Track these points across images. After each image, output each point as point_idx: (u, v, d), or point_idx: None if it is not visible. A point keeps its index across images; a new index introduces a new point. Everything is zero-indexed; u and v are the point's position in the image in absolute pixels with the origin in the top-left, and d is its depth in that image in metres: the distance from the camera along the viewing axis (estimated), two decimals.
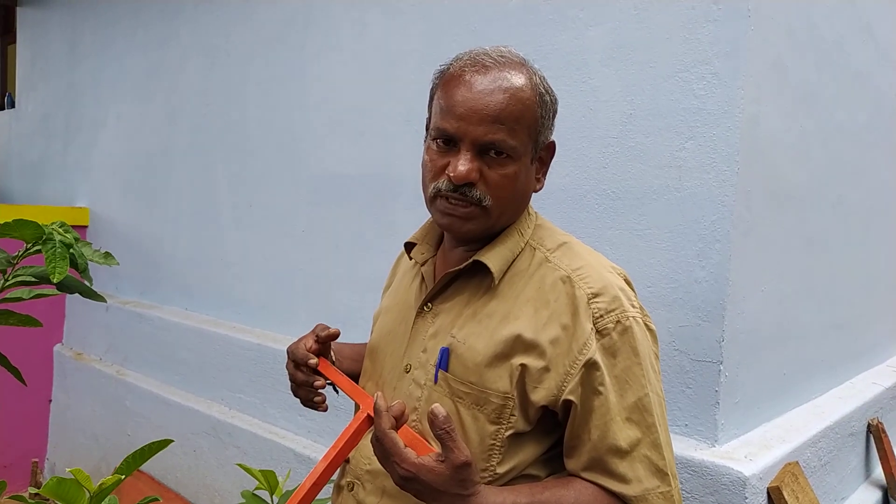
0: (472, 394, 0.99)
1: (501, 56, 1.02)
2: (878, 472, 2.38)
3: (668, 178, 1.64)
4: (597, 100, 1.76)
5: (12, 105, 4.98)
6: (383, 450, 0.91)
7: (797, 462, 1.69)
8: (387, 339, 1.15)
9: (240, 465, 1.60)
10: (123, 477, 1.03)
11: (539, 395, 0.97)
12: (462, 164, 0.97)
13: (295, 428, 2.49)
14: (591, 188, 1.77)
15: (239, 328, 2.83)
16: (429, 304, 1.09)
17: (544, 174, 1.10)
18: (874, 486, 2.35)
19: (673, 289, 1.63)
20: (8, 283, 1.42)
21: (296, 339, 1.19)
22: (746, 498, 1.49)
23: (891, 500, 2.33)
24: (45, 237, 1.25)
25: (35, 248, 1.29)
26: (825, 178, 2.07)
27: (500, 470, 0.99)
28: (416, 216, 2.10)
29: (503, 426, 0.98)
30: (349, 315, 2.41)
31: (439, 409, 0.88)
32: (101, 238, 3.69)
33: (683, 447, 1.57)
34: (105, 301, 1.45)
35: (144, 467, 3.00)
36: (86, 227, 3.81)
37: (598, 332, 0.97)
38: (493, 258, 1.03)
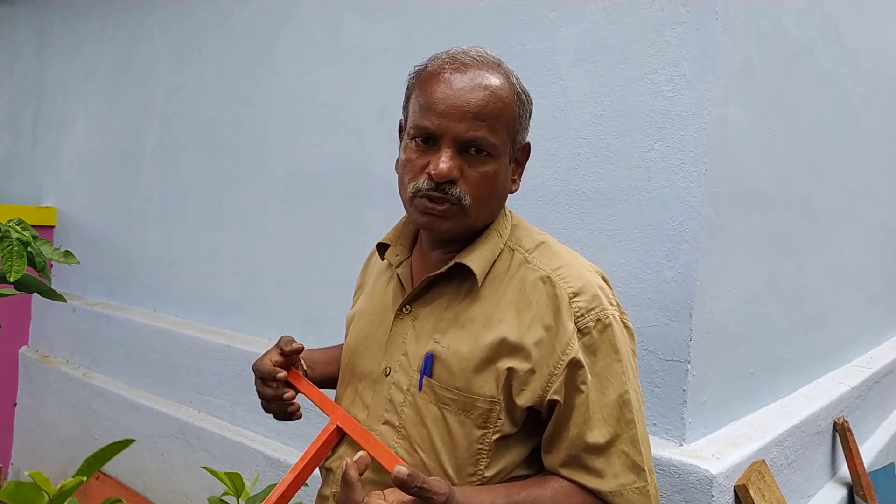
0: (459, 400, 0.99)
1: (479, 56, 1.02)
2: (844, 470, 2.42)
3: (637, 179, 1.64)
4: (568, 100, 1.76)
5: None
6: None
7: (764, 461, 1.70)
8: (364, 344, 1.14)
9: (206, 468, 1.57)
10: (84, 479, 1.00)
11: (525, 398, 0.97)
12: (444, 162, 0.96)
13: (265, 431, 2.46)
14: (561, 189, 1.77)
15: (208, 329, 2.79)
16: (407, 307, 1.07)
17: (520, 175, 1.10)
18: (840, 484, 2.38)
19: (642, 289, 1.63)
20: None
21: (260, 356, 1.17)
22: (713, 496, 1.50)
23: (856, 497, 2.36)
24: (1, 235, 1.22)
25: None
26: (792, 179, 2.09)
27: (489, 473, 0.99)
28: (389, 214, 2.09)
29: (490, 430, 0.98)
30: (322, 314, 2.39)
31: (400, 469, 0.86)
32: (68, 238, 3.61)
33: (651, 446, 1.58)
34: (65, 300, 1.42)
35: (111, 471, 2.95)
36: (53, 227, 3.73)
37: (579, 330, 0.97)
38: (474, 260, 1.02)
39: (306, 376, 1.18)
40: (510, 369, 0.97)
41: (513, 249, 1.06)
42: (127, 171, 3.31)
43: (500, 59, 1.05)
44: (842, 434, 2.38)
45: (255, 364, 1.15)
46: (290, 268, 2.52)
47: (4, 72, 4.40)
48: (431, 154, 0.98)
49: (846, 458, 2.38)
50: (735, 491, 1.59)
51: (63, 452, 3.33)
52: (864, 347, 3.01)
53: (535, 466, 1.04)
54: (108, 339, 3.20)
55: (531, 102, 1.07)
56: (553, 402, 0.97)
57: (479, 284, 1.02)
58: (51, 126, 3.89)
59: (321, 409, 1.10)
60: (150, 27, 3.21)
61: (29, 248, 1.27)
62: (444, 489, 0.88)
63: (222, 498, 1.55)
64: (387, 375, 1.06)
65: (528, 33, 1.85)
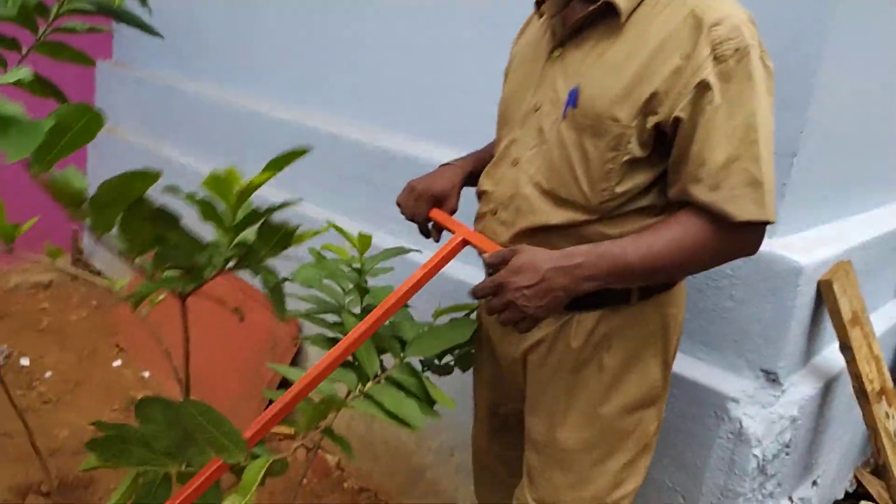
0: (594, 126, 1.07)
1: None
2: None
3: None
4: None
5: None
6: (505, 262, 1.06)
7: (850, 261, 1.69)
8: (518, 89, 1.24)
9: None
10: (273, 173, 1.04)
11: (654, 119, 1.04)
12: None
13: (330, 206, 2.46)
14: None
15: (275, 104, 2.75)
16: (557, 50, 1.15)
17: None
18: None
19: None
20: (62, 10, 1.33)
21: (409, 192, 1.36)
22: (799, 286, 1.50)
23: None
24: None
25: None
26: None
27: (619, 189, 1.10)
28: None
29: (621, 152, 1.07)
30: (402, 88, 2.29)
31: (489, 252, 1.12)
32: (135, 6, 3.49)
33: None
34: (162, 37, 1.37)
35: None
36: None
37: (715, 57, 1.00)
38: None
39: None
40: (646, 98, 1.03)
41: None
42: None
43: None
44: None
45: (416, 186, 1.35)
46: (360, 45, 2.41)
47: None
48: None
49: None
50: (818, 286, 1.59)
51: None
52: None
53: (660, 198, 1.11)
54: (175, 112, 3.20)
55: None
56: (677, 120, 1.02)
57: (624, 20, 1.06)
58: None
59: (449, 229, 1.25)
60: None
61: None
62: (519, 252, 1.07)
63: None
64: (536, 111, 1.17)
65: None
